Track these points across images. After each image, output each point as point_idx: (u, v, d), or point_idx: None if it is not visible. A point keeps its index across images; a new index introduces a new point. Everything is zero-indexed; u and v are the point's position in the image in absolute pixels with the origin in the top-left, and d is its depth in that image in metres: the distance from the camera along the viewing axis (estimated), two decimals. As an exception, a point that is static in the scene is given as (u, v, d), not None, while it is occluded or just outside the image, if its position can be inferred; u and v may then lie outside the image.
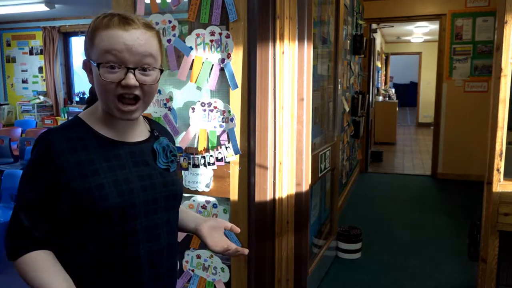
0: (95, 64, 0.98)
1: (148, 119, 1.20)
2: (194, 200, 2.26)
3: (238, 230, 1.22)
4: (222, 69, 2.12)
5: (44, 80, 8.14)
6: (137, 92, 0.99)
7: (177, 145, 2.17)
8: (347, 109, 4.38)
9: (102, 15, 1.00)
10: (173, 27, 2.17)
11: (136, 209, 1.03)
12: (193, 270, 2.31)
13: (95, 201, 0.97)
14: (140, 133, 1.11)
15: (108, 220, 0.99)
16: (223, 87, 2.16)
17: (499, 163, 2.29)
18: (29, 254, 0.98)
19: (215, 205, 2.24)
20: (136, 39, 0.97)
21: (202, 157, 2.18)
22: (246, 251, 1.17)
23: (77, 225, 1.00)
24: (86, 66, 1.04)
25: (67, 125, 1.05)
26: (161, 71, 1.05)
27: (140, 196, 1.04)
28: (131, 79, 0.97)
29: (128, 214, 1.01)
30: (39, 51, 8.16)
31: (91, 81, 1.04)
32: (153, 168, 1.09)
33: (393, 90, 12.39)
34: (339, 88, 3.64)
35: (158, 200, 1.08)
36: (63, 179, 0.97)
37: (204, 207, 2.25)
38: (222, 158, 2.17)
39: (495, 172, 2.30)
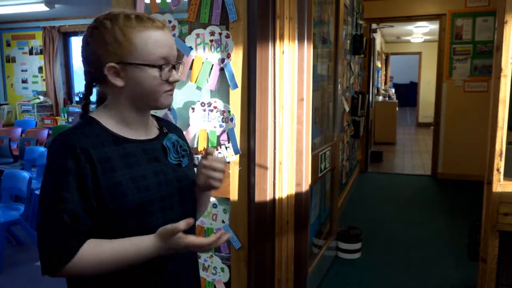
0: (144, 65, 1.01)
1: (156, 117, 1.22)
2: (194, 200, 2.26)
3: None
4: (222, 69, 2.12)
5: (44, 80, 8.14)
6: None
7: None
8: (347, 109, 4.38)
9: (124, 15, 1.02)
10: (173, 27, 2.17)
11: (153, 205, 1.05)
12: (193, 270, 2.31)
13: (115, 198, 0.99)
14: (150, 131, 1.14)
15: (126, 216, 1.01)
16: (223, 87, 2.16)
17: (499, 163, 2.29)
18: (87, 244, 0.97)
19: (215, 205, 2.23)
20: (171, 38, 1.07)
21: (202, 157, 2.18)
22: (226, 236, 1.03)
23: (97, 221, 1.00)
24: (115, 70, 1.02)
25: (80, 124, 1.04)
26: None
27: (157, 192, 1.06)
28: (177, 74, 1.07)
29: (146, 210, 1.03)
30: (39, 51, 8.16)
31: (119, 84, 1.03)
32: (165, 164, 1.11)
33: (393, 90, 12.38)
34: (339, 88, 3.64)
35: (173, 195, 1.10)
36: (89, 175, 0.97)
37: (204, 207, 2.25)
38: (222, 158, 2.16)
39: (495, 172, 2.30)
